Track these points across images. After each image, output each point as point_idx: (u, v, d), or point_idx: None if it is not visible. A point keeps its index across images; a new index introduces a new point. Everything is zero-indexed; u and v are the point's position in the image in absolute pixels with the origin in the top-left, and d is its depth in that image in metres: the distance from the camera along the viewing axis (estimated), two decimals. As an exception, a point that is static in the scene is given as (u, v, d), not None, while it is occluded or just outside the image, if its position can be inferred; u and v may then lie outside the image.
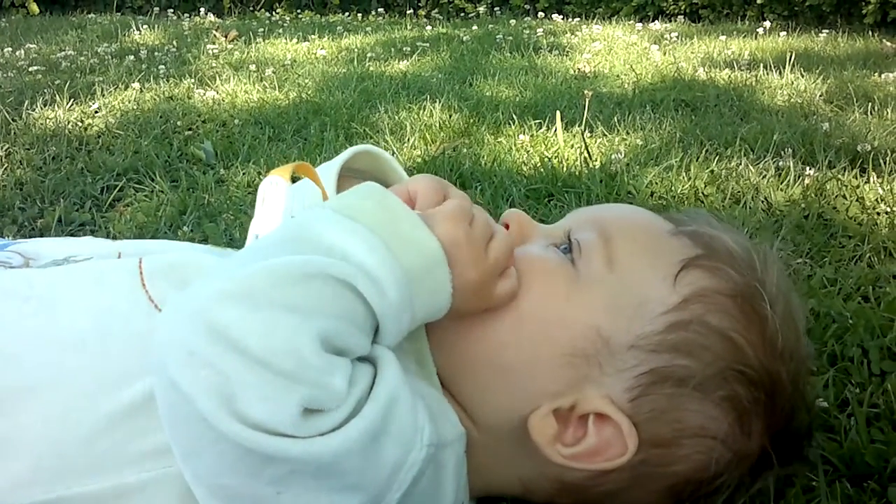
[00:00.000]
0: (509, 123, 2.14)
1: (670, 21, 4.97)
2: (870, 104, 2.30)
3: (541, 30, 4.26)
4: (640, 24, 4.66)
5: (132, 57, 3.27)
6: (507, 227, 0.73)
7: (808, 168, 1.66)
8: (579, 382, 0.65)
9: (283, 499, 0.53)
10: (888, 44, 3.55)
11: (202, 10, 5.66)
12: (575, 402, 0.65)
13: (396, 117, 2.23)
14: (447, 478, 0.63)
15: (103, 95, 2.49)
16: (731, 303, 0.65)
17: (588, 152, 1.81)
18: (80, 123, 2.16)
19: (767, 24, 4.32)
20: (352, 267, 0.55)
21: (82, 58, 3.28)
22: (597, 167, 1.73)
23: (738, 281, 0.66)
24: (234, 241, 1.36)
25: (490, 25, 4.72)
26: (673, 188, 1.61)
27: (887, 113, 2.22)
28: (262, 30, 4.34)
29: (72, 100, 2.40)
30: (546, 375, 0.66)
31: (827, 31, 4.15)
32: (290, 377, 0.51)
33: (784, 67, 2.86)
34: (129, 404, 0.62)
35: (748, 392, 0.64)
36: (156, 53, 3.45)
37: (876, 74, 2.85)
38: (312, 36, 4.09)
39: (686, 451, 0.65)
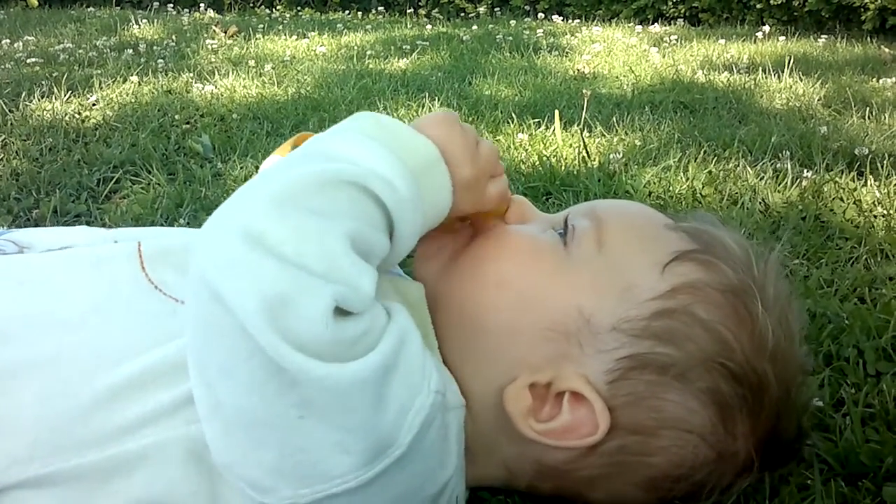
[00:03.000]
0: (508, 122, 2.14)
1: (670, 24, 4.98)
2: (867, 109, 2.30)
3: (541, 30, 4.27)
4: (640, 27, 4.66)
5: (131, 51, 3.26)
6: (507, 208, 0.75)
7: (805, 170, 1.67)
8: (558, 359, 0.65)
9: (303, 424, 0.53)
10: (886, 50, 3.56)
11: (202, 5, 5.65)
12: (552, 379, 0.65)
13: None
14: (451, 440, 0.63)
15: (101, 88, 2.49)
16: (721, 297, 0.65)
17: (586, 151, 1.81)
18: (77, 115, 2.16)
19: (767, 28, 4.33)
20: (362, 169, 0.58)
21: (81, 51, 3.27)
22: (595, 166, 1.73)
23: (732, 277, 0.66)
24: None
25: (490, 25, 4.72)
26: (671, 188, 1.61)
27: (885, 117, 2.22)
28: (261, 26, 4.33)
29: (69, 92, 2.39)
30: (524, 346, 0.66)
31: (826, 36, 4.16)
32: (323, 277, 0.53)
33: (783, 71, 2.87)
34: (129, 377, 0.62)
35: (731, 388, 0.64)
36: (155, 48, 3.44)
37: (874, 80, 2.86)
38: (312, 33, 4.08)
39: (664, 442, 0.65)
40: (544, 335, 0.66)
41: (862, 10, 4.37)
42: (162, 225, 1.42)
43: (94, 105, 2.28)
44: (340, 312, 0.54)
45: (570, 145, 1.90)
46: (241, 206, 0.56)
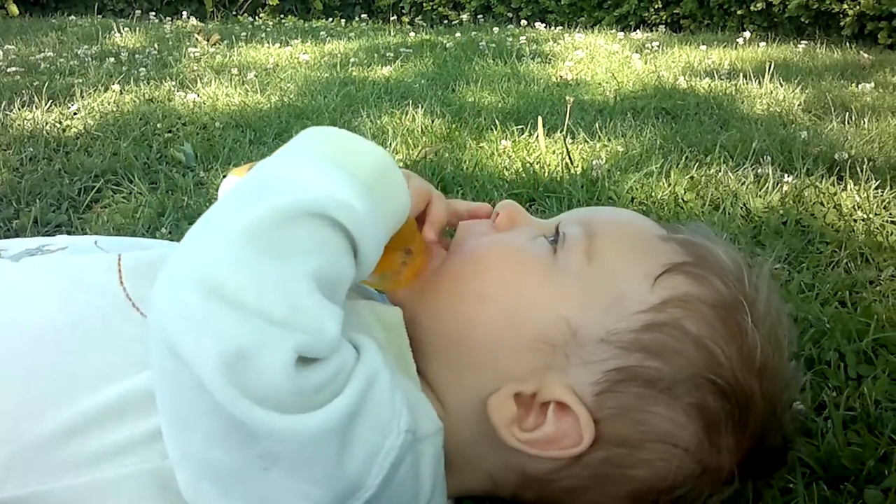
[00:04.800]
0: (491, 129, 2.14)
1: (652, 30, 5.01)
2: (847, 114, 2.33)
3: (523, 38, 4.28)
4: (622, 34, 4.69)
5: (112, 59, 3.25)
6: (497, 215, 0.75)
7: (786, 175, 1.68)
8: (543, 370, 0.65)
9: (268, 476, 0.53)
10: (865, 55, 3.59)
11: (184, 13, 5.63)
12: (537, 389, 0.65)
13: (379, 122, 2.23)
14: (425, 470, 0.62)
15: (82, 97, 2.47)
16: (711, 312, 0.64)
17: (569, 158, 1.81)
18: (58, 125, 2.14)
19: (747, 34, 4.36)
20: (317, 195, 0.57)
21: (62, 59, 3.25)
22: (578, 173, 1.73)
23: (723, 292, 0.65)
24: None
25: (473, 32, 4.74)
26: (653, 194, 1.62)
27: (864, 122, 2.24)
28: (244, 34, 4.32)
29: (50, 101, 2.38)
30: (509, 358, 0.66)
31: (806, 42, 4.21)
32: (284, 325, 0.51)
33: (763, 77, 2.89)
34: (105, 403, 0.61)
35: (718, 403, 0.63)
36: (136, 56, 3.42)
37: (853, 85, 2.89)
38: (295, 41, 4.08)
39: (649, 455, 0.64)
40: (530, 346, 0.65)
41: (841, 16, 4.42)
42: (144, 235, 1.41)
43: (75, 114, 2.26)
44: (304, 360, 0.52)
45: (554, 152, 1.91)
46: (197, 253, 0.55)
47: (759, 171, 1.73)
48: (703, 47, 3.88)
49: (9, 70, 2.96)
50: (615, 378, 0.63)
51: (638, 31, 4.94)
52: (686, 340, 0.63)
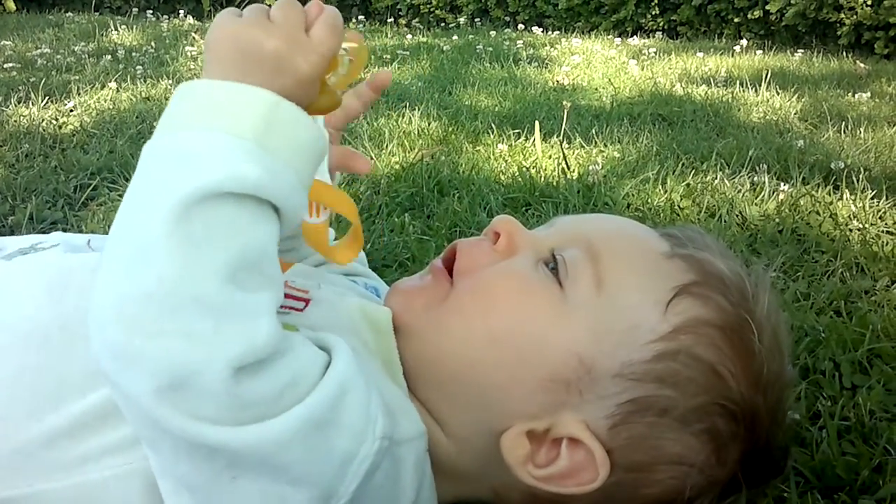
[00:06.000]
0: (488, 133, 2.14)
1: (649, 37, 5.02)
2: (843, 123, 2.33)
3: (521, 42, 4.28)
4: (619, 39, 4.69)
5: (109, 57, 3.24)
6: (497, 235, 0.72)
7: (782, 184, 1.68)
8: (556, 407, 0.64)
9: (239, 484, 0.53)
10: (861, 65, 3.61)
11: (181, 12, 5.62)
12: (550, 426, 0.64)
13: (375, 124, 2.23)
14: (406, 474, 0.62)
15: (79, 94, 2.46)
16: (720, 335, 0.64)
17: (566, 163, 1.82)
18: (54, 121, 2.14)
19: (744, 42, 4.38)
20: (206, 175, 0.52)
21: (59, 56, 3.24)
22: (574, 178, 1.73)
23: (730, 312, 0.65)
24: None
25: (470, 36, 4.73)
26: (649, 200, 1.62)
27: (860, 132, 2.25)
28: (241, 33, 4.31)
29: (47, 98, 2.37)
30: (521, 398, 0.65)
31: (802, 50, 4.22)
32: (211, 343, 0.49)
33: (760, 85, 2.90)
34: (92, 406, 0.61)
35: (727, 425, 0.64)
36: (133, 54, 3.42)
37: (849, 94, 2.90)
38: (292, 41, 4.07)
39: (660, 475, 0.65)
40: (542, 386, 0.64)
41: (838, 25, 4.43)
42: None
43: (71, 111, 2.25)
44: (249, 368, 0.50)
45: (550, 156, 1.91)
46: (112, 284, 0.52)
47: (756, 179, 1.74)
48: (700, 54, 3.89)
49: (5, 66, 2.95)
50: (629, 410, 0.63)
51: (635, 37, 4.95)
52: (697, 367, 0.63)
